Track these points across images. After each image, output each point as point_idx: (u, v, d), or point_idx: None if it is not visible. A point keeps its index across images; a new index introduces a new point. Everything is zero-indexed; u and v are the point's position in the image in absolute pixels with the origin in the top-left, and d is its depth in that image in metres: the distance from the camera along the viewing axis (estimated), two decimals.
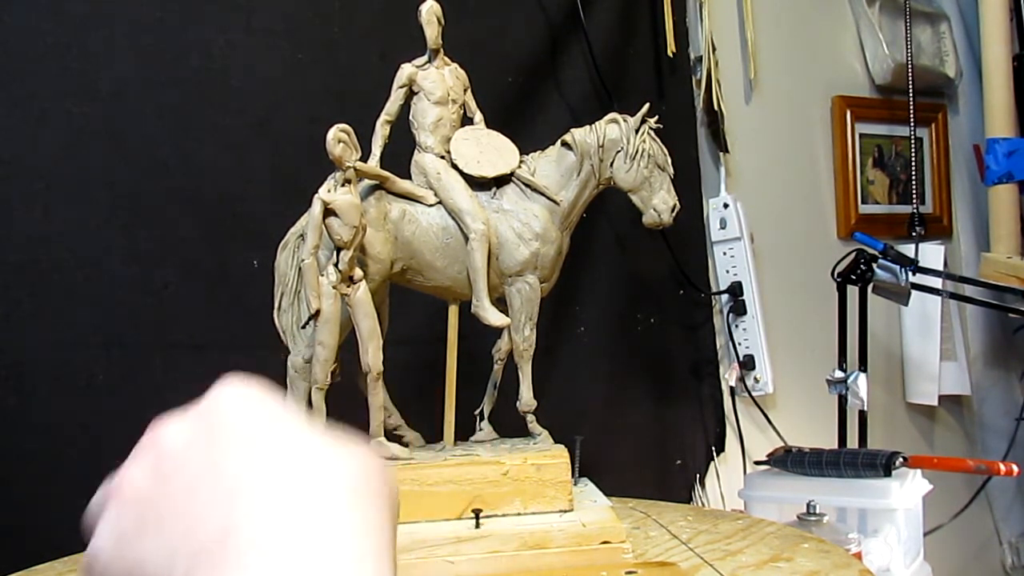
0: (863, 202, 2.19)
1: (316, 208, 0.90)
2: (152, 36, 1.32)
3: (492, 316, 0.99)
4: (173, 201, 1.32)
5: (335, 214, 0.90)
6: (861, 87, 2.21)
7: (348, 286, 0.92)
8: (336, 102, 1.42)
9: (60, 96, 1.26)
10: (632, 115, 1.03)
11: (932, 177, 2.33)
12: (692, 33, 1.88)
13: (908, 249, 1.88)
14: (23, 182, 1.24)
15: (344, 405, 0.96)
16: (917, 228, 2.12)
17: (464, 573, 0.88)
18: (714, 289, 1.91)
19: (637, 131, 1.02)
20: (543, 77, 1.66)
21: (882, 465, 1.39)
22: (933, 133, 2.33)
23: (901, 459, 1.42)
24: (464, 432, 1.07)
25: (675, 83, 1.84)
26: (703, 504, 1.81)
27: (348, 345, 0.95)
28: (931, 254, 2.08)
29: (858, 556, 1.20)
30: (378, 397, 0.95)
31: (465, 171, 1.02)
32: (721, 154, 1.91)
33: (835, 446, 1.75)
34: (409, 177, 1.03)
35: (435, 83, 1.03)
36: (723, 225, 1.89)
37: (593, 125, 1.04)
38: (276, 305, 0.97)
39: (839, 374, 1.74)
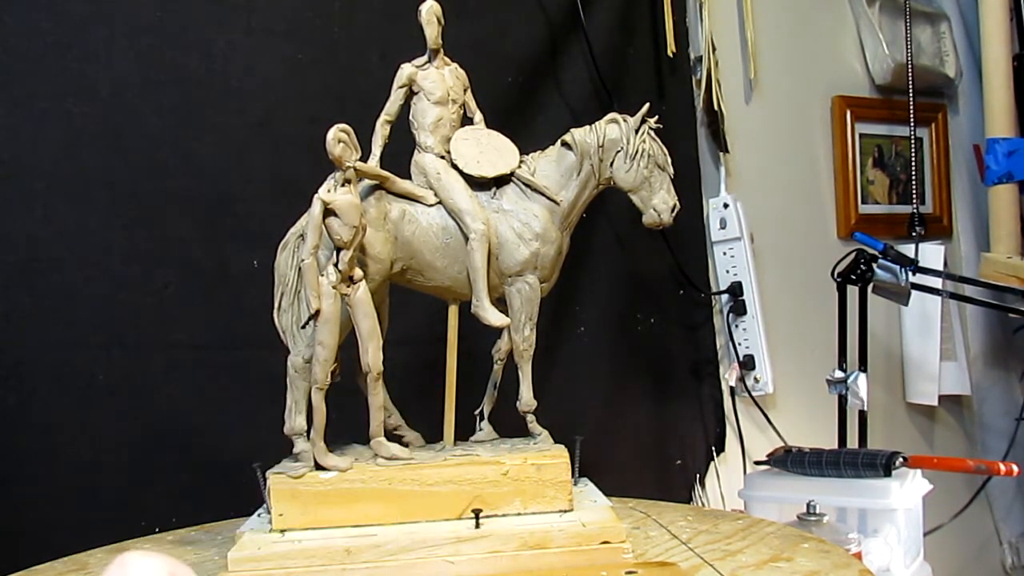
0: (863, 202, 2.19)
1: (316, 208, 0.90)
2: (152, 36, 1.32)
3: (492, 316, 0.99)
4: (173, 201, 1.33)
5: (335, 214, 0.90)
6: (861, 87, 2.21)
7: (348, 286, 0.92)
8: (336, 102, 1.42)
9: (60, 96, 1.26)
10: (632, 115, 1.03)
11: (932, 177, 2.33)
12: (692, 33, 1.88)
13: (908, 249, 1.88)
14: (23, 182, 1.24)
15: (344, 405, 0.96)
16: (917, 228, 2.12)
17: (464, 573, 0.88)
18: (714, 289, 1.91)
19: (637, 131, 1.02)
20: (543, 77, 1.66)
21: (882, 465, 1.39)
22: (933, 133, 2.33)
23: (901, 459, 1.42)
24: (464, 432, 1.07)
25: (675, 83, 1.84)
26: (703, 504, 1.81)
27: (348, 345, 0.95)
28: (931, 254, 2.08)
29: (858, 556, 1.20)
30: (378, 397, 0.95)
31: (465, 171, 1.02)
32: (721, 154, 1.91)
33: (835, 446, 1.75)
34: (409, 177, 1.03)
35: (435, 83, 1.03)
36: (723, 225, 1.89)
37: (593, 125, 1.04)
38: (276, 305, 0.97)
39: (839, 374, 1.74)
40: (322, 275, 0.91)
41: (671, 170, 1.04)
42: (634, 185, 1.03)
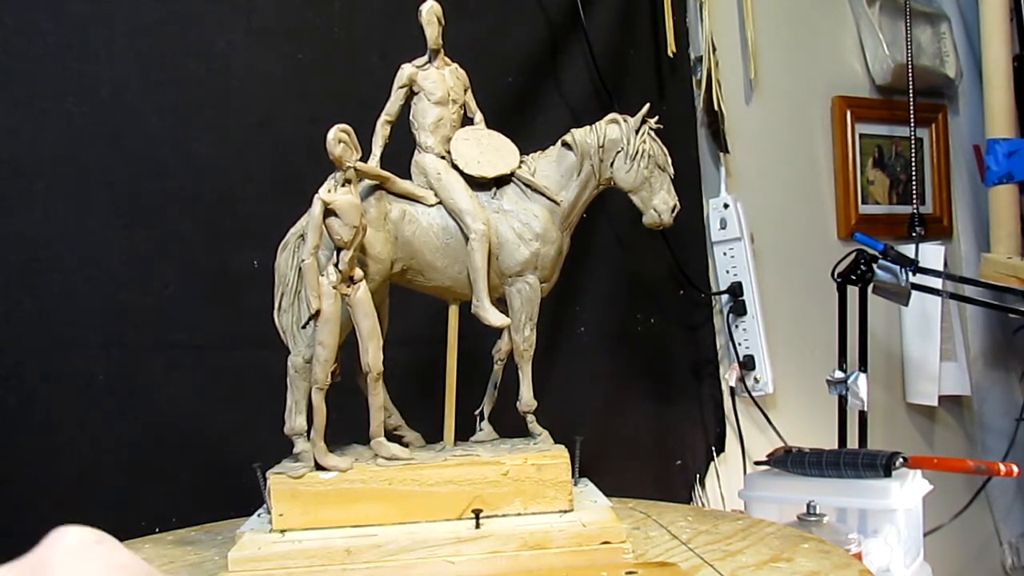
0: (863, 202, 2.19)
1: (316, 208, 0.90)
2: (152, 36, 1.32)
3: (492, 316, 0.99)
4: (173, 201, 1.33)
5: (335, 214, 0.90)
6: (861, 87, 2.21)
7: (348, 286, 0.92)
8: (336, 102, 1.42)
9: (60, 96, 1.26)
10: (632, 115, 1.03)
11: (932, 177, 2.33)
12: (692, 33, 1.88)
13: (908, 249, 1.88)
14: (23, 182, 1.24)
15: (344, 405, 0.96)
16: (917, 228, 2.12)
17: (464, 573, 0.88)
18: (714, 289, 1.91)
19: (637, 131, 1.02)
20: (543, 77, 1.66)
21: (882, 465, 1.39)
22: (933, 133, 2.33)
23: (901, 459, 1.42)
24: (464, 432, 1.07)
25: (675, 83, 1.84)
26: (703, 504, 1.81)
27: (348, 345, 0.95)
28: (931, 254, 2.08)
29: (858, 556, 1.20)
30: (378, 397, 0.95)
31: (465, 171, 1.01)
32: (721, 154, 1.91)
33: (835, 446, 1.75)
34: (409, 177, 1.03)
35: (435, 83, 1.03)
36: (723, 225, 1.89)
37: (593, 125, 1.04)
38: (276, 305, 0.97)
39: (839, 374, 1.74)
40: (322, 275, 0.91)
41: (671, 170, 1.04)
42: (634, 185, 1.02)
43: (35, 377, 1.23)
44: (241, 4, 1.38)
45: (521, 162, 1.04)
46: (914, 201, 2.16)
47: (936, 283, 1.91)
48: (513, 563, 0.89)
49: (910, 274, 1.74)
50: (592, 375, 1.71)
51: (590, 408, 1.70)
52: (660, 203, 1.02)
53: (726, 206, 1.88)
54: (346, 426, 0.99)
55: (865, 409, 1.75)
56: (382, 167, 1.00)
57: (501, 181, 1.03)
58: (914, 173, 2.17)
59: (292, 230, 0.97)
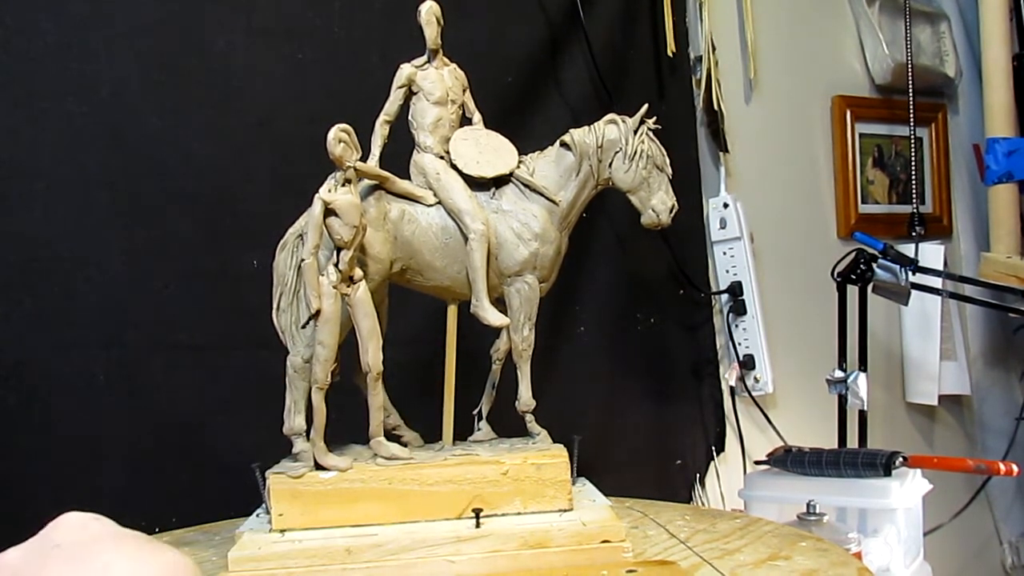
0: (863, 202, 2.19)
1: (317, 208, 0.90)
2: (152, 36, 1.32)
3: (492, 316, 0.99)
4: (173, 201, 1.33)
5: (335, 214, 0.90)
6: (861, 87, 2.21)
7: (348, 286, 0.92)
8: (336, 102, 1.42)
9: (60, 96, 1.26)
10: (632, 115, 1.03)
11: (932, 177, 2.33)
12: (692, 33, 1.88)
13: (908, 249, 1.88)
14: (23, 182, 1.24)
15: (344, 405, 0.97)
16: (917, 228, 2.12)
17: (465, 572, 0.89)
18: (714, 289, 1.91)
19: (636, 132, 1.02)
20: (543, 77, 1.66)
21: (882, 465, 1.39)
22: (933, 133, 2.33)
23: (901, 459, 1.42)
24: (462, 432, 1.07)
25: (675, 83, 1.84)
26: (703, 504, 1.81)
27: (347, 345, 0.95)
28: (931, 254, 2.08)
29: (858, 556, 1.20)
30: (378, 397, 0.95)
31: (465, 171, 1.02)
32: (721, 154, 1.91)
33: (835, 446, 1.75)
34: (408, 177, 1.03)
35: (434, 83, 1.03)
36: (723, 225, 1.89)
37: (592, 126, 1.04)
38: (275, 305, 0.97)
39: (839, 374, 1.74)
40: (322, 275, 0.91)
41: (669, 171, 1.04)
42: (633, 186, 1.03)
43: (35, 377, 1.23)
44: (241, 4, 1.38)
45: (520, 162, 1.04)
46: (914, 201, 2.16)
47: (936, 282, 1.91)
48: (513, 562, 0.89)
49: (910, 273, 1.74)
50: (592, 375, 1.71)
51: (590, 408, 1.70)
52: (658, 203, 1.03)
53: (726, 206, 1.88)
54: (345, 426, 0.99)
55: (865, 409, 1.75)
56: (381, 167, 1.00)
57: (500, 181, 1.03)
58: (914, 172, 2.17)
59: (291, 230, 0.97)
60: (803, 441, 1.66)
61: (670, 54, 1.80)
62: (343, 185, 0.91)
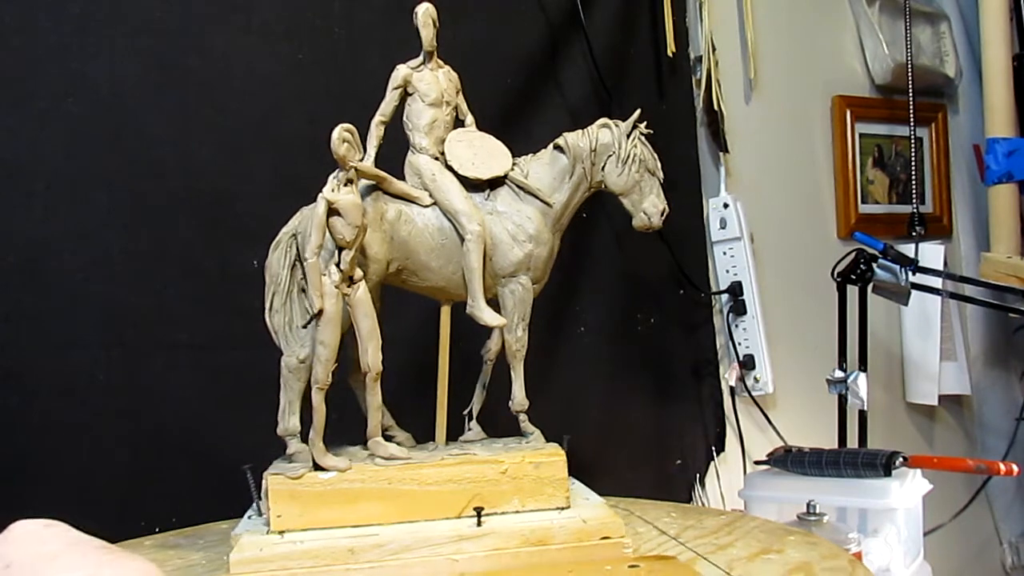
0: (863, 202, 2.19)
1: (321, 207, 0.90)
2: (152, 36, 1.32)
3: (488, 316, 1.00)
4: (173, 201, 1.33)
5: (338, 213, 0.90)
6: (861, 87, 2.21)
7: (348, 286, 0.92)
8: (336, 102, 1.42)
9: (60, 96, 1.26)
10: (631, 115, 1.04)
11: (932, 177, 2.33)
12: (692, 33, 1.88)
13: (908, 249, 1.88)
14: (23, 182, 1.24)
15: (343, 405, 0.96)
16: (917, 228, 2.12)
17: (468, 570, 0.89)
18: (714, 289, 1.91)
19: (628, 136, 1.04)
20: (543, 77, 1.66)
21: (882, 465, 1.39)
22: (933, 133, 2.33)
23: (901, 459, 1.42)
24: (452, 433, 1.08)
25: (675, 83, 1.85)
26: (703, 504, 1.81)
27: (342, 345, 0.95)
28: (931, 254, 2.08)
29: (858, 556, 1.20)
30: (377, 397, 0.95)
31: (460, 173, 1.02)
32: (721, 154, 1.91)
33: (835, 446, 1.75)
34: (401, 177, 1.03)
35: (430, 85, 1.04)
36: (723, 225, 1.89)
37: (585, 130, 1.05)
38: (268, 305, 0.96)
39: (839, 374, 1.74)
40: (324, 275, 0.91)
41: (661, 175, 1.06)
42: (625, 189, 1.04)
43: (35, 377, 1.23)
44: (241, 4, 1.38)
45: (513, 164, 1.05)
46: (914, 200, 2.16)
47: (936, 283, 1.91)
48: (515, 560, 0.90)
49: (910, 273, 1.74)
50: (592, 375, 1.71)
51: (590, 408, 1.70)
52: (650, 206, 1.04)
53: (726, 206, 1.88)
54: (340, 427, 0.99)
55: (865, 409, 1.75)
56: (376, 167, 1.00)
57: (494, 183, 1.04)
58: (914, 172, 2.17)
59: (284, 229, 0.97)
60: (803, 441, 1.66)
61: (670, 54, 1.80)
62: (345, 185, 0.91)
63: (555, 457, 0.97)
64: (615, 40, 1.75)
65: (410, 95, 1.04)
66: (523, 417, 1.05)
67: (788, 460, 1.51)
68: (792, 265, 2.02)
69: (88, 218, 1.28)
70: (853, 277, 1.74)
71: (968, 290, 2.02)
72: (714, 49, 1.88)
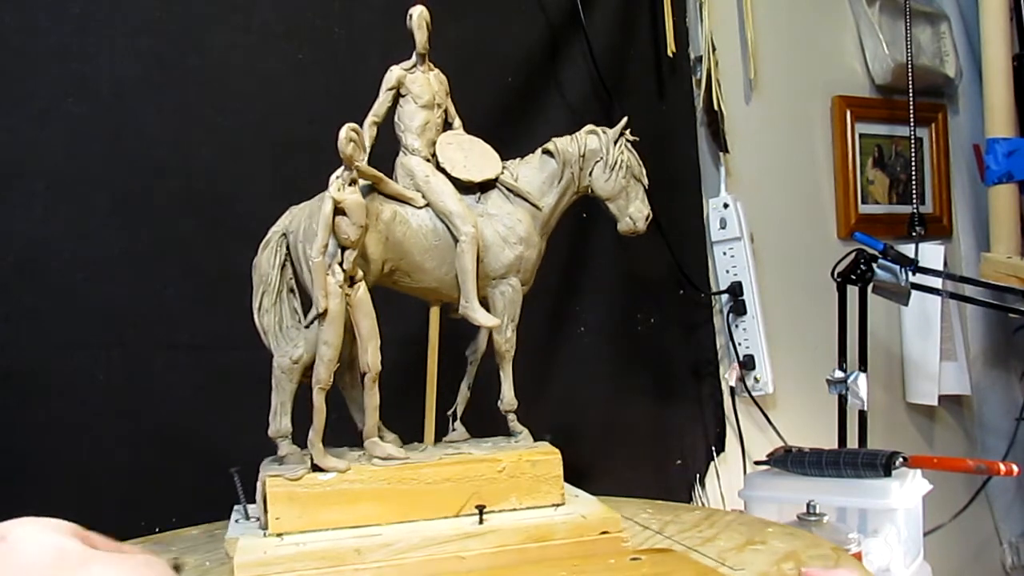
0: (863, 202, 2.19)
1: (327, 207, 0.89)
2: (152, 36, 1.32)
3: (482, 316, 1.00)
4: (173, 201, 1.33)
5: (344, 213, 0.90)
6: (861, 87, 2.21)
7: (349, 286, 0.92)
8: (336, 102, 1.42)
9: (60, 96, 1.26)
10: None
11: (932, 177, 2.33)
12: (692, 33, 1.88)
13: (908, 249, 1.88)
14: (23, 182, 1.24)
15: (342, 405, 0.96)
16: (917, 228, 2.12)
17: (475, 568, 0.89)
18: (714, 289, 1.91)
19: (616, 143, 1.05)
20: (543, 77, 1.66)
21: (882, 465, 1.39)
22: (933, 133, 2.33)
23: (901, 459, 1.42)
24: (436, 434, 1.08)
25: (675, 83, 1.84)
26: (703, 504, 1.81)
27: None
28: (931, 254, 2.08)
29: (858, 556, 1.20)
30: (375, 397, 0.95)
31: (453, 175, 1.03)
32: (721, 154, 1.91)
33: (835, 446, 1.75)
34: (392, 178, 1.03)
35: (422, 87, 1.04)
36: (723, 225, 1.89)
37: (574, 135, 1.07)
38: (257, 305, 0.96)
39: (839, 374, 1.74)
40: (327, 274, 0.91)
41: (646, 181, 1.08)
42: (612, 194, 1.06)
43: (35, 377, 1.23)
44: (241, 4, 1.38)
45: (503, 167, 1.06)
46: (914, 201, 2.16)
47: (936, 283, 1.91)
48: (520, 555, 0.91)
49: (910, 274, 1.74)
50: (592, 375, 1.71)
51: (590, 408, 1.70)
52: (635, 211, 1.06)
53: (726, 206, 1.88)
54: (331, 427, 0.99)
55: (865, 409, 1.75)
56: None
57: (485, 186, 1.05)
58: (914, 173, 2.17)
59: (273, 229, 0.97)
60: (803, 441, 1.66)
61: (670, 54, 1.80)
62: (350, 185, 0.91)
63: (551, 455, 0.99)
64: (615, 40, 1.75)
65: (403, 96, 1.05)
66: (512, 417, 1.06)
67: (788, 460, 1.50)
68: (792, 265, 2.02)
69: (88, 218, 1.28)
70: (853, 277, 1.74)
71: (968, 290, 2.02)
72: (714, 49, 1.88)
